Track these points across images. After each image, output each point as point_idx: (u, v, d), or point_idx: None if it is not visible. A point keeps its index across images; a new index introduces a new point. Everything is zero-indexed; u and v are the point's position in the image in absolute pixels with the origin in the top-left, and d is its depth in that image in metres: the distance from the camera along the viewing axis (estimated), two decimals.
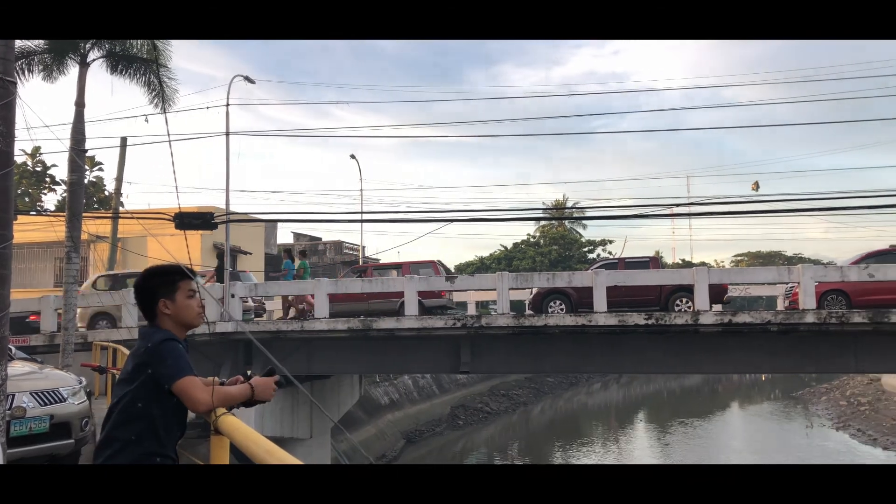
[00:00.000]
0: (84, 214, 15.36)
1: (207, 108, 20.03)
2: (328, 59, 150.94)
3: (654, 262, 18.92)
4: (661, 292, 16.41)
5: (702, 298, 15.24)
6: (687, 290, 16.03)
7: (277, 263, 27.60)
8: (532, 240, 50.04)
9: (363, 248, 36.48)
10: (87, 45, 14.69)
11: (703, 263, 52.22)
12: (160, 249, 11.47)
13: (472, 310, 25.04)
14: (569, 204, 52.10)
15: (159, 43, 14.45)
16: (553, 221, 49.71)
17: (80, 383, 7.55)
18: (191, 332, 3.08)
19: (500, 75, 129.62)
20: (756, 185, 36.50)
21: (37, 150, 31.64)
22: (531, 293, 18.17)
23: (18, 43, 12.97)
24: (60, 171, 31.66)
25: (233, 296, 16.80)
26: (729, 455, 25.31)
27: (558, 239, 49.32)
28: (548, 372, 34.73)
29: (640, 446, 29.31)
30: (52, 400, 6.85)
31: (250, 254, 30.24)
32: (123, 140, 27.22)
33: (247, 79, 18.95)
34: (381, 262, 31.92)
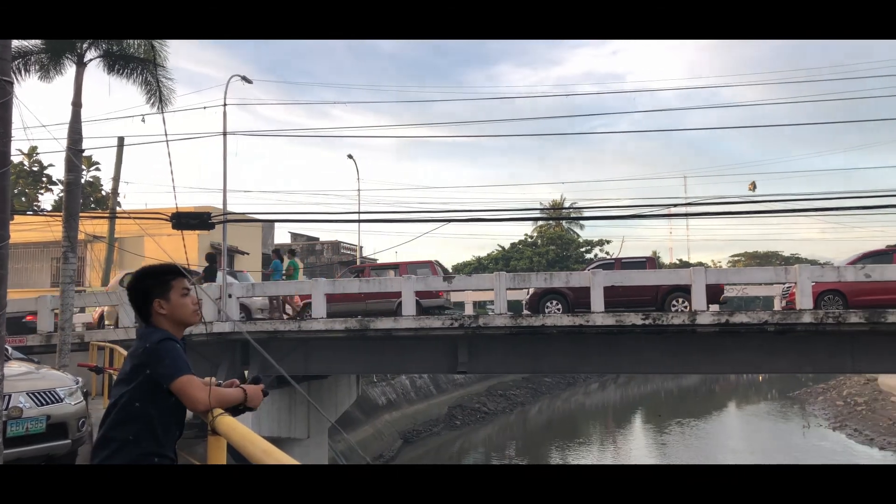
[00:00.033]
0: (81, 214, 15.34)
1: (205, 107, 20.11)
2: (326, 59, 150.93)
3: (651, 262, 18.94)
4: (658, 292, 16.43)
5: (699, 299, 15.25)
6: (683, 291, 16.04)
7: None
8: (529, 240, 50.07)
9: (360, 248, 36.49)
10: (84, 45, 14.67)
11: (700, 263, 52.25)
12: (157, 249, 11.48)
13: (469, 310, 25.01)
14: (566, 204, 52.13)
15: (156, 43, 14.43)
16: (550, 222, 49.74)
17: (77, 383, 7.54)
18: (188, 333, 3.08)
19: (499, 75, 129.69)
20: (753, 186, 36.59)
21: (33, 149, 31.61)
22: (527, 293, 18.18)
23: (15, 42, 12.96)
24: (57, 171, 31.62)
25: (230, 296, 16.78)
26: (726, 455, 25.35)
27: (556, 239, 49.36)
28: (545, 372, 34.75)
29: (638, 446, 29.34)
30: (48, 400, 6.84)
31: (247, 254, 30.21)
32: (120, 140, 27.21)
33: (244, 79, 18.93)
34: (378, 262, 31.91)
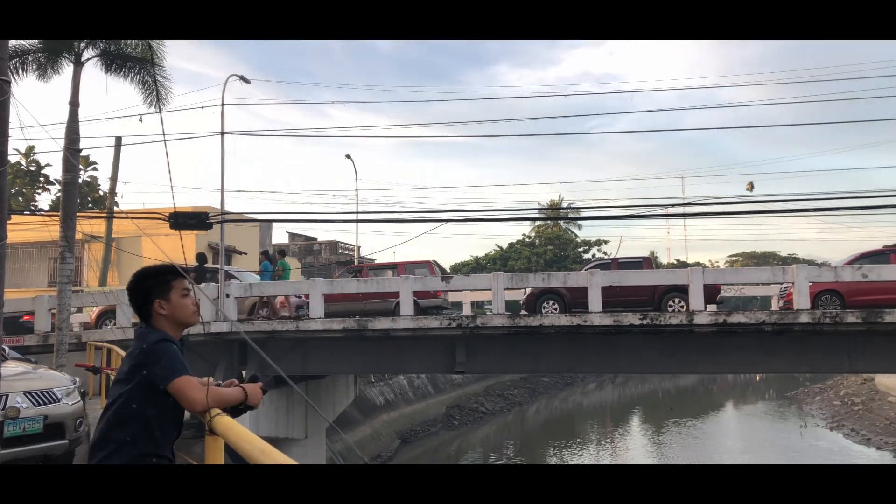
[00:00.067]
0: (78, 214, 15.33)
1: (203, 107, 20.08)
2: (324, 59, 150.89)
3: (648, 262, 18.97)
4: (655, 292, 16.44)
5: (697, 298, 15.26)
6: (680, 291, 16.07)
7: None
8: (527, 240, 50.09)
9: (358, 248, 36.44)
10: (82, 45, 14.65)
11: (697, 264, 52.35)
12: (155, 249, 11.45)
13: (467, 310, 25.03)
14: (564, 204, 52.16)
15: (154, 42, 14.42)
16: (548, 222, 49.75)
17: (75, 383, 7.53)
18: (186, 333, 3.08)
19: (497, 76, 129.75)
20: (751, 186, 36.60)
21: (31, 149, 31.55)
22: (524, 293, 18.19)
23: (12, 42, 12.95)
24: (55, 171, 31.60)
25: (227, 296, 16.76)
26: (723, 455, 25.37)
27: (553, 239, 49.38)
28: (543, 372, 34.76)
29: (635, 446, 29.36)
30: (46, 400, 6.82)
31: (245, 254, 30.19)
32: (118, 140, 27.16)
33: (242, 78, 18.90)
34: (376, 262, 31.90)
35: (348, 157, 34.04)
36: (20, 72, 14.75)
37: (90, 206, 30.67)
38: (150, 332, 2.89)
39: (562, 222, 50.84)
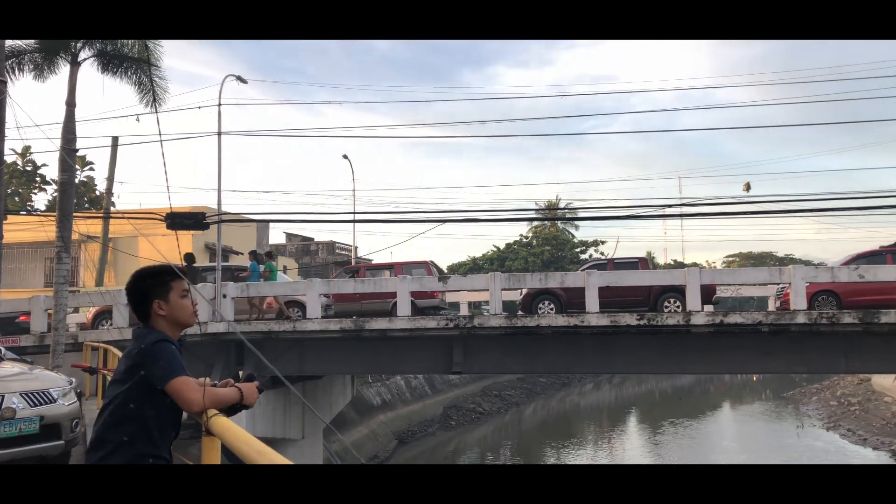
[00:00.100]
0: (75, 214, 15.32)
1: (199, 107, 20.02)
2: (322, 59, 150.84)
3: (643, 262, 18.98)
4: (651, 293, 16.46)
5: (693, 299, 15.28)
6: (675, 291, 16.09)
7: None
8: (525, 240, 50.10)
9: (355, 248, 36.43)
10: (78, 45, 14.63)
11: (694, 264, 52.43)
12: (151, 250, 11.43)
13: (464, 310, 25.04)
14: (561, 204, 52.18)
15: (150, 42, 14.40)
16: (545, 222, 49.78)
17: (71, 384, 7.51)
18: (182, 333, 3.07)
19: (494, 76, 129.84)
20: (747, 186, 36.65)
21: (27, 149, 31.49)
22: (520, 294, 18.19)
23: (8, 42, 12.92)
24: (51, 171, 31.60)
25: (224, 296, 16.74)
26: (720, 455, 25.40)
27: (551, 239, 49.39)
28: (540, 372, 34.78)
29: (632, 446, 29.37)
30: (42, 401, 6.81)
31: (242, 254, 30.16)
32: (114, 139, 27.15)
33: (239, 78, 18.90)
34: (373, 262, 31.89)
35: (345, 157, 34.03)
36: (17, 72, 14.73)
37: (87, 206, 30.64)
38: (148, 333, 2.89)
39: (559, 223, 50.88)
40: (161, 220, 13.97)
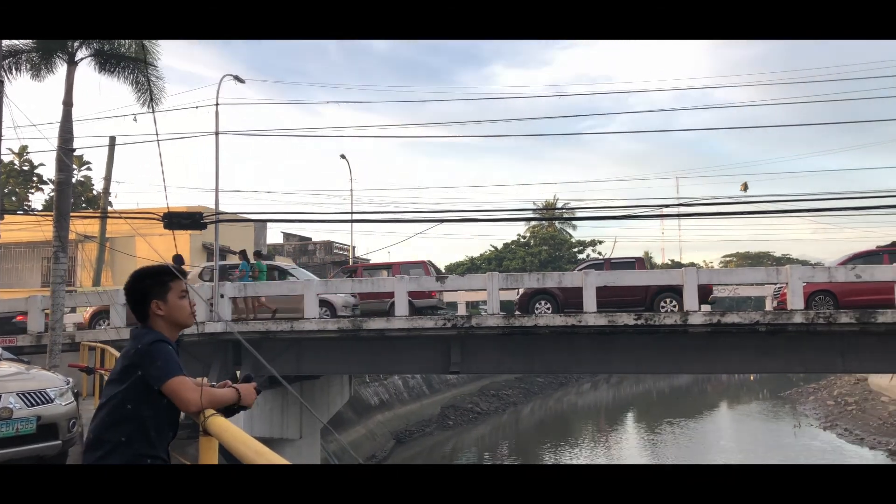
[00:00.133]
0: (72, 214, 15.27)
1: (197, 107, 19.96)
2: (319, 59, 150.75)
3: (640, 262, 19.02)
4: (647, 293, 16.48)
5: (691, 299, 15.30)
6: (672, 291, 16.10)
7: None
8: (522, 240, 50.11)
9: (353, 248, 36.41)
10: (75, 44, 14.60)
11: (692, 264, 52.48)
12: (149, 249, 11.41)
13: (462, 310, 25.05)
14: (559, 204, 52.21)
15: (147, 42, 14.38)
16: (543, 222, 49.80)
17: (68, 384, 7.50)
18: (181, 333, 3.07)
19: (492, 76, 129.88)
20: (745, 186, 36.70)
21: (24, 149, 31.42)
22: (517, 294, 18.20)
23: (6, 42, 12.90)
24: (48, 171, 31.47)
25: (222, 296, 16.72)
26: (718, 455, 25.43)
27: (548, 239, 49.42)
28: (538, 372, 34.77)
29: (630, 446, 29.40)
30: (39, 401, 6.80)
31: (238, 253, 30.12)
32: (112, 139, 27.10)
33: (236, 78, 18.86)
34: (371, 262, 31.88)
35: (343, 157, 34.01)
36: (13, 71, 14.70)
37: (84, 205, 30.58)
38: (146, 333, 2.88)
39: (556, 222, 50.91)
40: (158, 219, 13.95)
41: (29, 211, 29.81)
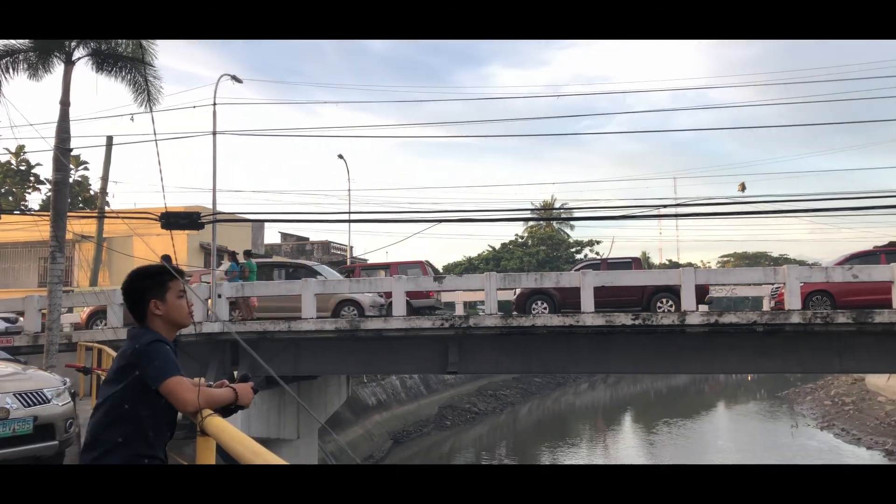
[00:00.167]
0: (69, 214, 15.25)
1: (194, 106, 19.93)
2: (317, 59, 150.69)
3: (637, 262, 19.03)
4: (644, 293, 16.49)
5: (688, 299, 15.31)
6: (669, 291, 16.12)
7: None
8: (520, 240, 50.13)
9: (351, 248, 36.40)
10: (73, 44, 14.58)
11: (689, 264, 52.50)
12: (146, 249, 11.42)
13: (460, 310, 25.05)
14: (557, 204, 52.24)
15: (145, 41, 14.35)
16: (541, 222, 49.83)
17: (65, 384, 7.49)
18: (178, 333, 3.07)
19: (489, 76, 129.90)
20: (742, 187, 36.75)
21: (21, 148, 31.36)
22: (514, 294, 18.22)
23: (2, 41, 12.90)
24: (45, 170, 31.41)
25: (219, 296, 16.70)
26: (715, 455, 25.45)
27: (546, 239, 49.45)
28: (535, 372, 34.78)
29: (627, 446, 29.42)
30: (35, 401, 6.78)
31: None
32: (109, 139, 27.04)
33: (234, 78, 18.84)
34: (368, 262, 31.86)
35: (341, 157, 34.00)
36: (10, 71, 14.67)
37: (81, 205, 30.53)
38: (143, 333, 2.88)
39: (554, 223, 50.93)
40: (156, 219, 13.92)
41: (26, 211, 29.77)
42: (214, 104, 18.31)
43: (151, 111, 14.97)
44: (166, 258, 18.03)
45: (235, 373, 16.63)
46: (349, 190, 35.40)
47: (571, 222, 51.02)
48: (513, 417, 36.26)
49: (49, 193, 22.41)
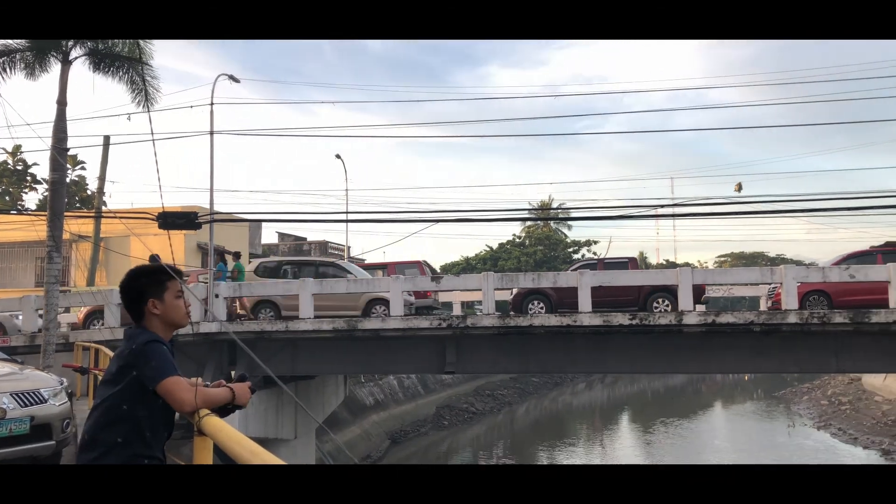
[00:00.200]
0: (66, 214, 15.24)
1: (192, 106, 19.93)
2: (315, 59, 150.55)
3: (633, 262, 19.06)
4: (640, 293, 16.50)
5: (685, 299, 15.32)
6: (665, 291, 16.13)
7: None
8: (517, 240, 50.15)
9: (348, 248, 36.35)
10: (70, 43, 14.55)
11: (686, 264, 52.59)
12: (144, 249, 11.40)
13: (457, 310, 25.04)
14: (554, 204, 52.27)
15: (142, 41, 14.34)
16: (538, 222, 49.85)
17: (62, 384, 7.48)
18: (175, 333, 3.06)
19: (487, 76, 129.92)
20: (739, 187, 36.87)
21: (17, 148, 31.29)
22: (511, 294, 18.23)
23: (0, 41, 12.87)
24: (42, 170, 31.37)
25: (217, 296, 16.69)
26: (712, 454, 25.48)
27: (543, 239, 49.48)
28: (533, 372, 34.80)
29: (624, 446, 29.45)
30: (32, 401, 6.78)
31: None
32: (106, 139, 26.99)
33: (231, 78, 18.82)
34: (366, 262, 31.85)
35: (338, 156, 33.95)
36: (7, 70, 14.63)
37: (78, 205, 30.46)
38: (140, 333, 2.87)
39: (552, 222, 50.96)
40: (153, 219, 13.91)
41: (23, 210, 29.71)
42: (212, 104, 18.31)
43: (149, 111, 14.97)
44: (154, 258, 18.02)
45: (233, 372, 16.62)
46: (347, 190, 35.30)
47: (569, 222, 51.08)
48: (510, 417, 36.28)
49: (46, 193, 22.37)
